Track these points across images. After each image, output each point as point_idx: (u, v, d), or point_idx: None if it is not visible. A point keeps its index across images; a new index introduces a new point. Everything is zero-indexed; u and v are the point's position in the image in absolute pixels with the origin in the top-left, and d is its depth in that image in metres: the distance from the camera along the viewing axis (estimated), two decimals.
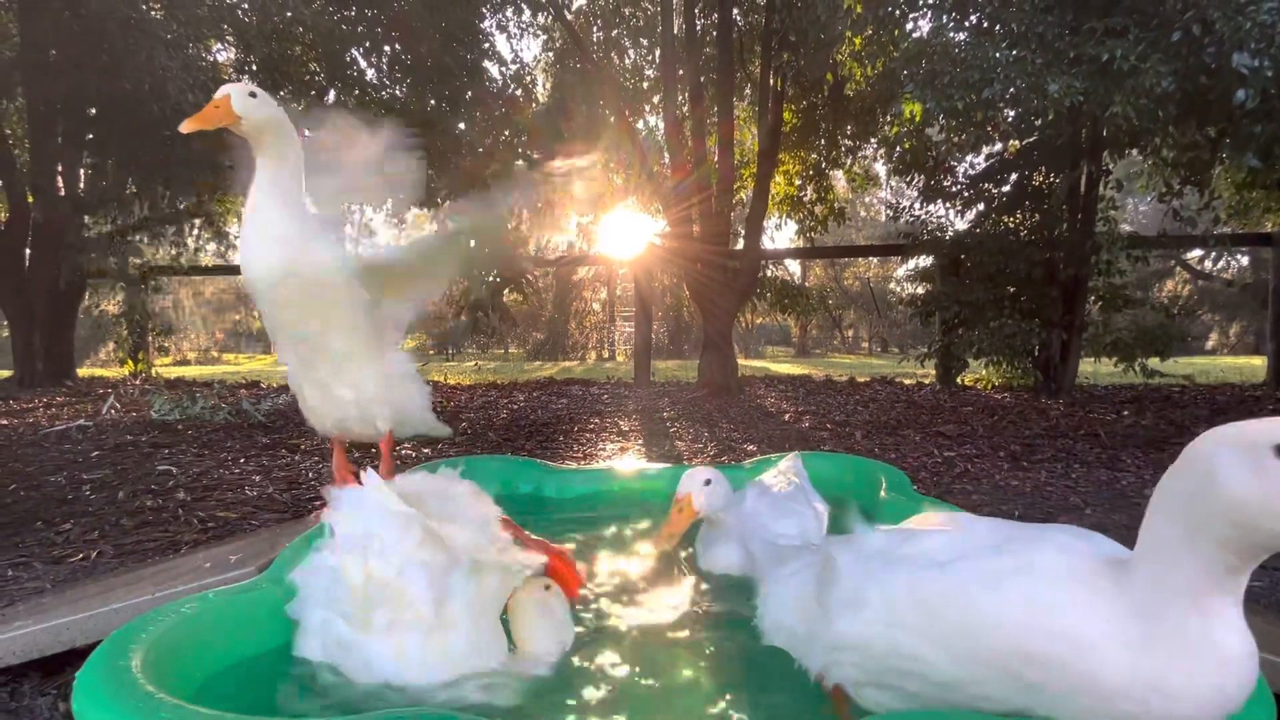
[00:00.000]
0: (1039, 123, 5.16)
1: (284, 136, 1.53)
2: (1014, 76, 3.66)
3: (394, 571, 1.07)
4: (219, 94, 1.47)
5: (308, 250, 1.50)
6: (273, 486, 2.78)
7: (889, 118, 5.72)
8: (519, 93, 7.41)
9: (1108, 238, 5.09)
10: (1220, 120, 3.60)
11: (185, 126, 1.41)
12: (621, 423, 4.47)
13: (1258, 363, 9.71)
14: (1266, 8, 2.97)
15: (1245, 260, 18.93)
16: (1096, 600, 0.76)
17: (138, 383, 6.60)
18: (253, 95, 1.48)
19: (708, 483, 1.53)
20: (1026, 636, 0.77)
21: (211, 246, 8.50)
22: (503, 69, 7.42)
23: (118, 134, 6.00)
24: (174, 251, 7.27)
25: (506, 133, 7.13)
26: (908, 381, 6.67)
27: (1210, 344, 20.89)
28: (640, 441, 3.81)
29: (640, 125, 8.43)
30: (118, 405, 5.13)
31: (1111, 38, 3.63)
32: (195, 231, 7.34)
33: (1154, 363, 5.45)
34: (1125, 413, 4.62)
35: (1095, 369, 7.59)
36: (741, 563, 1.50)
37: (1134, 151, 5.27)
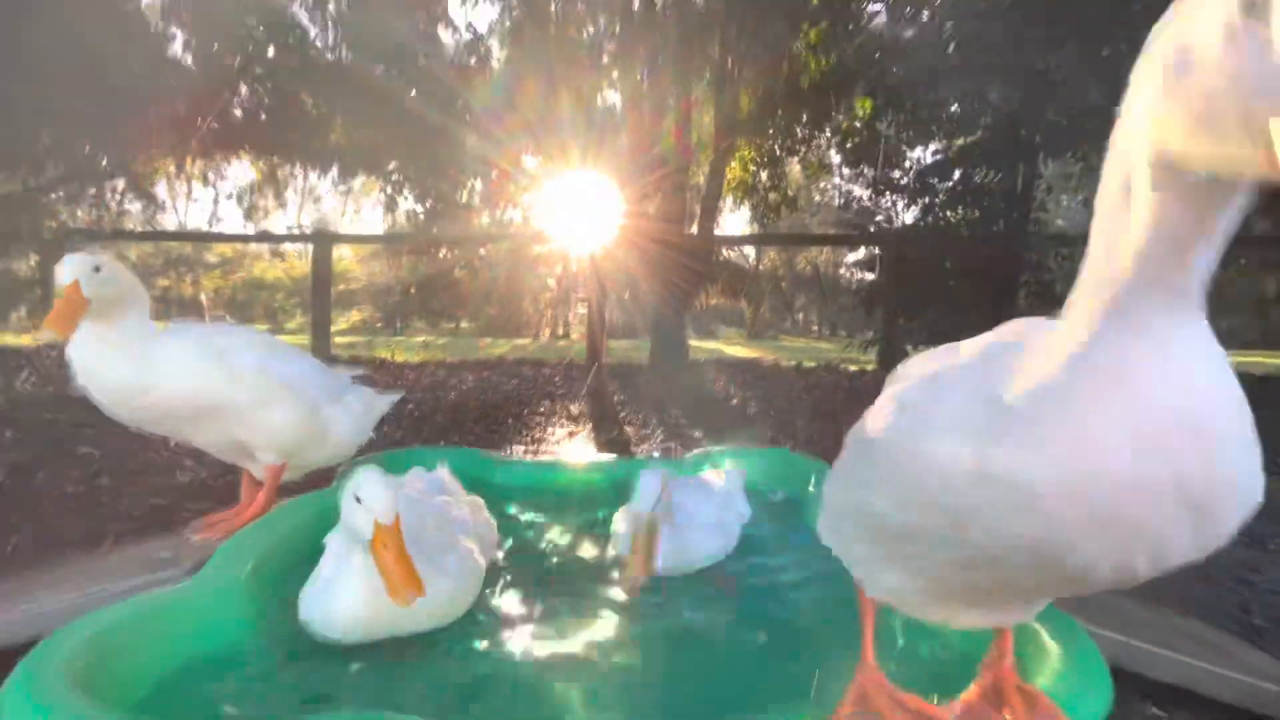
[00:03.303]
0: (982, 121, 5.38)
1: (133, 292, 1.43)
2: (959, 80, 3.80)
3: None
4: (65, 277, 1.32)
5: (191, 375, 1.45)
6: (206, 471, 2.68)
7: (840, 115, 5.82)
8: (473, 62, 7.17)
9: (1037, 238, 5.37)
10: None
11: (51, 337, 1.29)
12: (572, 406, 4.49)
13: None
14: None
15: None
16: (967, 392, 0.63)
17: (55, 354, 6.18)
18: (98, 269, 1.36)
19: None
20: (901, 449, 0.66)
21: (136, 208, 7.98)
22: (456, 36, 7.16)
23: (27, 83, 5.51)
24: (95, 215, 6.79)
25: (459, 103, 6.91)
26: (852, 368, 6.91)
27: None
28: (588, 427, 3.84)
29: (598, 101, 8.30)
30: (33, 379, 4.81)
31: (1053, 47, 3.80)
32: (118, 195, 6.87)
33: None
34: None
35: None
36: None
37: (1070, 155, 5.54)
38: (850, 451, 0.81)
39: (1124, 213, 0.52)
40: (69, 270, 1.33)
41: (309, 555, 1.23)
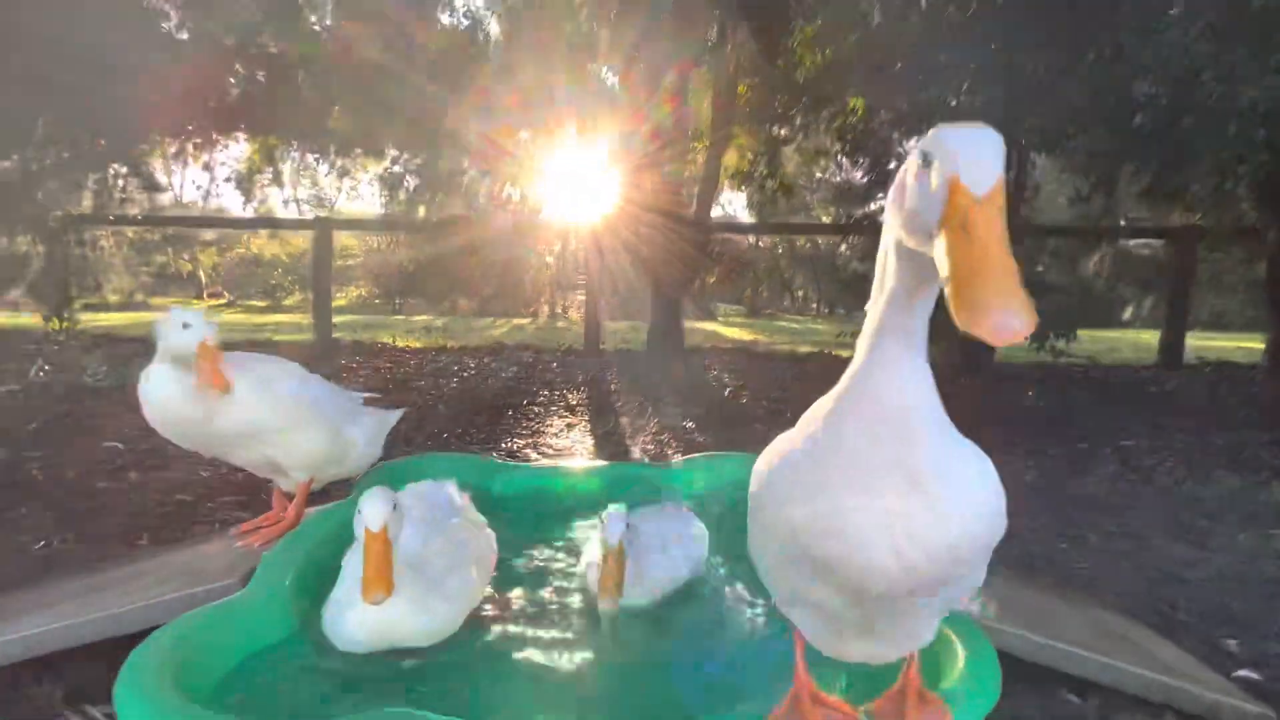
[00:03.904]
0: (975, 119, 5.45)
1: None
2: (949, 80, 3.88)
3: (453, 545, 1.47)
4: (206, 338, 1.49)
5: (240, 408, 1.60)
6: (226, 467, 2.83)
7: (834, 109, 5.87)
8: (471, 49, 7.16)
9: (1026, 231, 5.51)
10: (1124, 138, 3.94)
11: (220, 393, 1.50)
12: (569, 395, 4.66)
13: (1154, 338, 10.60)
14: (1168, 39, 3.26)
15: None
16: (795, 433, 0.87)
17: (63, 339, 6.31)
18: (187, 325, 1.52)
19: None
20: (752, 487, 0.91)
21: (133, 183, 8.00)
22: (454, 18, 7.14)
23: (23, 64, 5.51)
24: (97, 200, 6.84)
25: (457, 84, 6.92)
26: (844, 354, 7.07)
27: (1127, 314, 22.51)
28: (585, 418, 4.01)
29: (598, 78, 8.27)
30: (46, 367, 4.95)
31: (1039, 48, 3.87)
32: (119, 181, 6.90)
33: (1061, 345, 5.99)
34: (1031, 393, 5.12)
35: (1011, 351, 8.19)
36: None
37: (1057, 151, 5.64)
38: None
39: (882, 279, 0.79)
40: (209, 330, 1.50)
41: (338, 563, 1.40)
